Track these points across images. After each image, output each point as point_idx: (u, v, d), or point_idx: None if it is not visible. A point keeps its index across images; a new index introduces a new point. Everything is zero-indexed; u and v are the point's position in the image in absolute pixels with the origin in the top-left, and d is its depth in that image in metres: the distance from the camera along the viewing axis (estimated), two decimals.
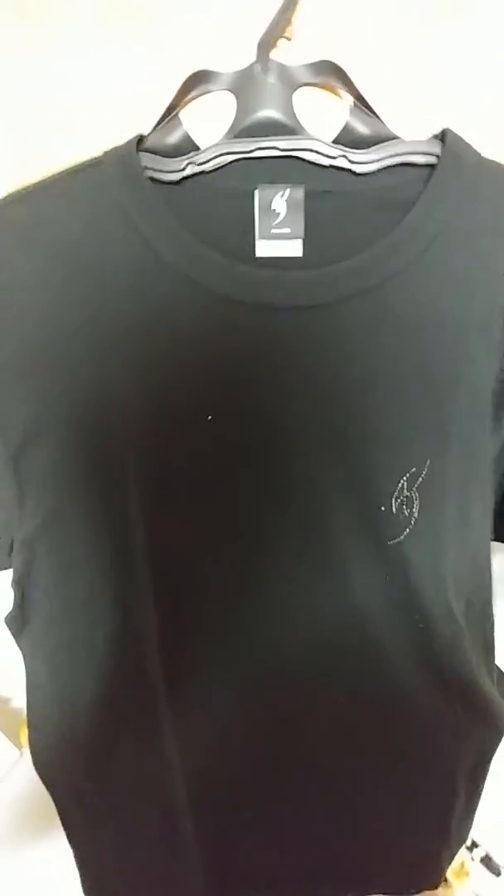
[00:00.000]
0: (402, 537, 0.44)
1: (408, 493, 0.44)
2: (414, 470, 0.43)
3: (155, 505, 0.44)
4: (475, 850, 0.98)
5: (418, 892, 0.59)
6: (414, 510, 0.44)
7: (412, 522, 0.44)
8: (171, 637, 0.46)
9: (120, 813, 0.53)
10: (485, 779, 0.57)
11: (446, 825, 0.56)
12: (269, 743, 0.50)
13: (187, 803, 0.52)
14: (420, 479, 0.43)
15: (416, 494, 0.44)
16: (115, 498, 0.44)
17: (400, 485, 0.43)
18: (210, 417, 0.42)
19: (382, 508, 0.43)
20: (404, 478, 0.43)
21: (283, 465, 0.43)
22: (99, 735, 0.49)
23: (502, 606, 0.57)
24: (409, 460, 0.43)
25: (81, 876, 0.57)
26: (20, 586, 0.47)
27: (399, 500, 0.44)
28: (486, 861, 0.98)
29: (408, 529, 0.44)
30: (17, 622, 0.49)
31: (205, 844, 0.54)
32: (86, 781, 0.51)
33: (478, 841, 0.99)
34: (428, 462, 0.43)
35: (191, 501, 0.44)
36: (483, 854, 0.98)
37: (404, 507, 0.44)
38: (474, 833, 1.00)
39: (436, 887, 0.60)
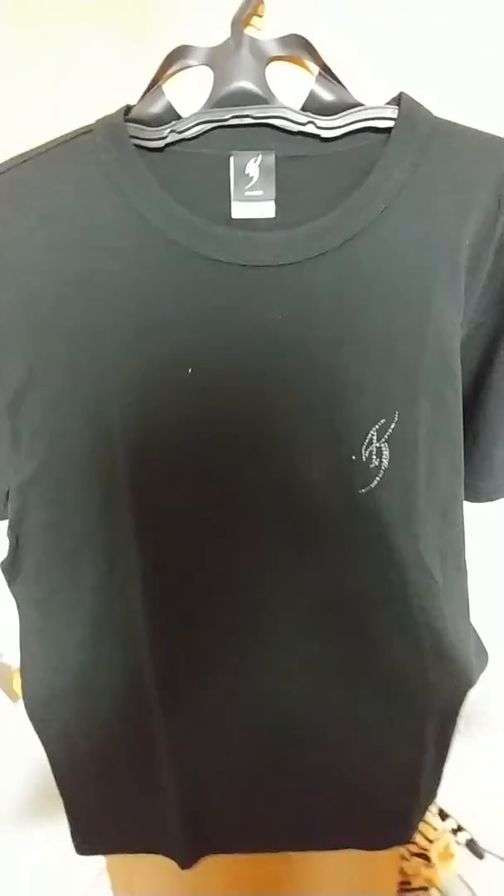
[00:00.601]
0: (372, 486, 0.46)
1: (378, 444, 0.46)
2: (383, 421, 0.45)
3: (138, 457, 0.46)
4: (460, 833, 1.00)
5: (389, 847, 0.61)
6: (384, 460, 0.46)
7: (382, 472, 0.46)
8: (154, 584, 0.48)
9: (104, 757, 0.55)
10: (452, 737, 0.58)
11: (416, 781, 0.57)
12: (246, 693, 0.52)
13: (167, 752, 0.54)
14: (389, 430, 0.46)
15: (386, 445, 0.46)
16: (102, 449, 0.46)
17: (370, 435, 0.46)
18: (190, 371, 0.44)
19: (353, 458, 0.46)
20: (374, 429, 0.45)
21: (259, 418, 0.45)
22: (85, 678, 0.51)
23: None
24: (378, 412, 0.45)
25: (69, 822, 0.59)
26: (14, 533, 0.50)
27: (369, 450, 0.46)
28: (471, 844, 0.99)
29: (377, 479, 0.46)
30: (12, 569, 0.51)
31: (184, 794, 0.55)
32: (73, 723, 0.53)
33: (463, 825, 1.01)
34: (397, 414, 0.45)
35: (171, 454, 0.46)
36: (468, 838, 0.99)
37: (374, 456, 0.46)
38: (459, 817, 1.02)
39: (406, 843, 0.61)
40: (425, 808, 0.63)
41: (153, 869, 0.67)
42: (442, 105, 0.44)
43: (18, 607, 0.53)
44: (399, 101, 0.42)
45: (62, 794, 0.59)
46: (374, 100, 0.44)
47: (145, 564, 0.48)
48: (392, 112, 0.42)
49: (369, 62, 0.53)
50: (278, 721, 0.53)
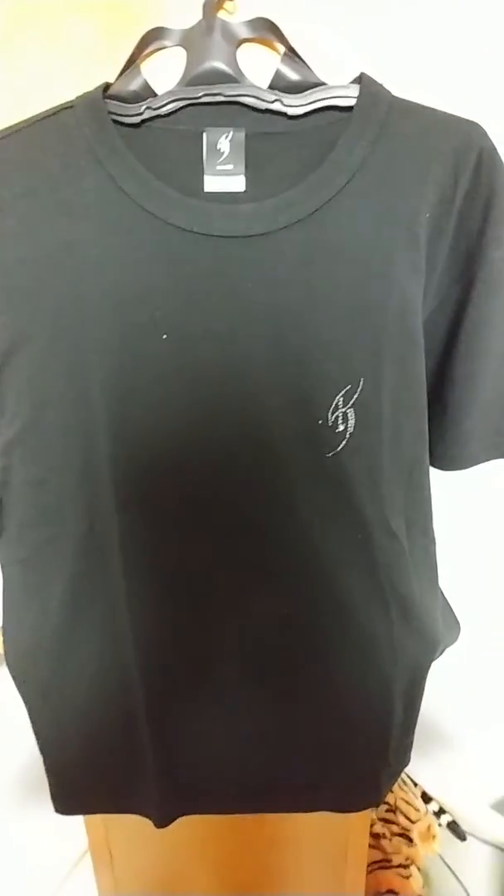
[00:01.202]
0: (339, 450, 0.49)
1: (344, 409, 0.48)
2: (349, 387, 0.47)
3: (116, 418, 0.48)
4: (442, 815, 1.01)
5: (359, 809, 0.63)
6: (349, 425, 0.48)
7: (348, 437, 0.48)
8: (132, 539, 0.50)
9: (83, 716, 0.56)
10: (420, 701, 0.60)
11: (385, 744, 0.59)
12: (220, 653, 0.54)
13: (144, 712, 0.56)
14: (355, 396, 0.48)
15: (352, 411, 0.48)
16: (83, 410, 0.48)
17: (336, 401, 0.48)
18: (165, 336, 0.47)
19: (320, 422, 0.48)
20: (340, 394, 0.48)
21: (230, 383, 0.47)
22: (65, 636, 0.53)
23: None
24: (344, 378, 0.47)
25: (49, 782, 0.61)
26: None
27: (335, 415, 0.48)
28: (453, 826, 1.00)
29: (344, 443, 0.49)
30: None
31: (159, 754, 0.57)
32: (53, 681, 0.55)
33: (445, 807, 1.02)
34: (362, 381, 0.47)
35: (146, 416, 0.48)
36: (450, 820, 1.01)
37: (340, 421, 0.48)
38: (442, 800, 1.03)
39: (377, 806, 0.63)
40: (397, 773, 0.64)
41: (132, 837, 0.69)
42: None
43: (3, 566, 0.56)
44: (360, 80, 0.45)
45: (42, 753, 0.60)
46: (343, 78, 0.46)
47: (124, 523, 0.50)
48: (354, 91, 0.44)
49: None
50: (251, 679, 0.55)
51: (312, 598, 0.53)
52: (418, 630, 0.55)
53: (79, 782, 0.62)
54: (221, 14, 0.44)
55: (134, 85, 0.45)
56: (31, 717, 0.59)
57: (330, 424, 0.48)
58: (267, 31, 0.44)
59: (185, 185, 0.45)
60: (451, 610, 0.64)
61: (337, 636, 0.54)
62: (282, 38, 0.44)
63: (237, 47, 0.44)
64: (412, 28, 0.68)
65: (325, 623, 0.54)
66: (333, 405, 0.48)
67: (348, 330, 0.47)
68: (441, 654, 0.60)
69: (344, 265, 0.45)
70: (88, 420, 0.48)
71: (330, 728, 0.58)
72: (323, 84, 0.45)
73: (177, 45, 0.44)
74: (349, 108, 0.44)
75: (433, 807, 1.02)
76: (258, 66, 0.45)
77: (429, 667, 0.58)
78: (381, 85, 0.45)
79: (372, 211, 0.44)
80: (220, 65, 0.43)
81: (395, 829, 0.98)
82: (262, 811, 0.64)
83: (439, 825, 1.00)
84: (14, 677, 0.57)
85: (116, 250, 0.45)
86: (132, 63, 0.46)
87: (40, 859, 1.00)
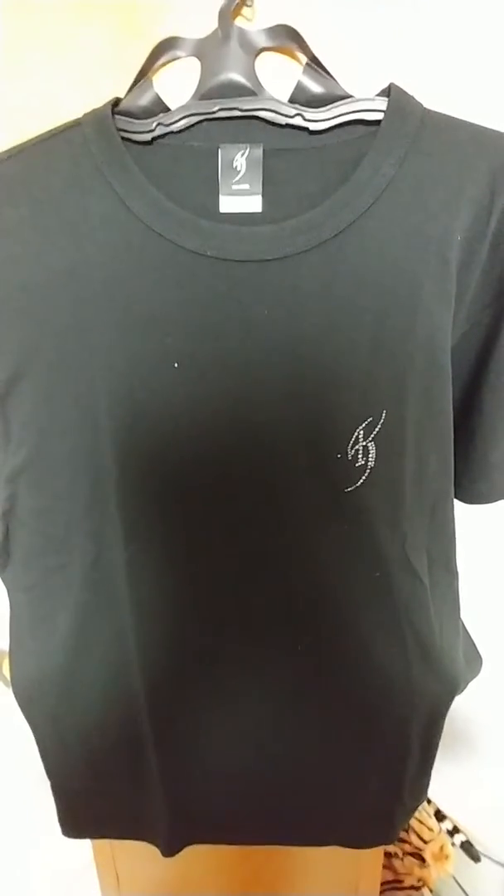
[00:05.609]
0: (358, 485, 0.46)
1: (364, 443, 0.45)
2: (370, 419, 0.45)
3: (124, 448, 0.46)
4: (456, 835, 0.99)
5: (372, 846, 0.61)
6: (370, 459, 0.46)
7: (368, 471, 0.46)
8: (139, 573, 0.49)
9: (90, 742, 0.55)
10: (438, 740, 0.58)
11: (400, 782, 0.57)
12: (230, 686, 0.52)
13: (152, 740, 0.54)
14: (377, 428, 0.45)
15: (373, 444, 0.45)
16: (89, 439, 0.46)
17: (356, 434, 0.45)
18: (176, 365, 0.44)
19: (339, 456, 0.45)
20: (360, 427, 0.45)
21: (243, 413, 0.45)
22: (72, 663, 0.52)
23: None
24: (365, 410, 0.45)
25: (56, 805, 0.60)
26: (4, 521, 0.50)
27: (355, 449, 0.46)
28: (467, 847, 0.98)
29: (364, 478, 0.46)
30: (2, 555, 0.52)
31: (168, 783, 0.56)
32: (59, 707, 0.54)
33: (459, 826, 1.00)
34: (384, 412, 0.45)
35: (156, 446, 0.46)
36: (463, 839, 0.99)
37: (360, 455, 0.46)
38: (456, 819, 1.01)
39: (389, 843, 0.61)
40: (412, 810, 0.62)
41: (139, 860, 0.68)
42: (442, 99, 0.43)
43: (8, 592, 0.54)
44: (389, 92, 0.41)
45: (49, 777, 0.60)
46: (369, 91, 0.43)
47: (131, 552, 0.48)
48: (381, 104, 0.41)
49: (367, 53, 0.52)
50: (261, 711, 0.53)
51: (327, 637, 0.51)
52: (438, 671, 0.53)
53: (85, 808, 0.61)
54: (239, 21, 0.40)
55: (145, 100, 0.42)
56: (37, 743, 0.58)
57: (349, 458, 0.46)
58: (288, 39, 0.40)
59: (199, 206, 0.43)
60: (473, 642, 0.62)
61: (352, 676, 0.52)
62: (304, 48, 0.41)
63: (255, 57, 0.41)
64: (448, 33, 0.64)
65: (340, 663, 0.51)
66: (353, 438, 0.45)
67: (371, 360, 0.44)
68: (462, 690, 0.58)
69: (367, 292, 0.42)
70: (95, 449, 0.47)
71: (343, 766, 0.56)
72: (348, 96, 0.41)
73: (191, 56, 0.41)
74: (376, 123, 0.41)
75: (447, 825, 1.00)
76: (278, 77, 0.41)
77: (448, 707, 0.56)
78: (412, 97, 0.42)
79: (399, 234, 0.41)
80: (237, 76, 0.40)
81: (407, 847, 0.97)
82: (271, 843, 0.63)
83: (452, 844, 0.98)
84: (20, 704, 0.56)
85: (124, 274, 0.43)
86: (143, 76, 0.43)
87: (45, 867, 1.00)
